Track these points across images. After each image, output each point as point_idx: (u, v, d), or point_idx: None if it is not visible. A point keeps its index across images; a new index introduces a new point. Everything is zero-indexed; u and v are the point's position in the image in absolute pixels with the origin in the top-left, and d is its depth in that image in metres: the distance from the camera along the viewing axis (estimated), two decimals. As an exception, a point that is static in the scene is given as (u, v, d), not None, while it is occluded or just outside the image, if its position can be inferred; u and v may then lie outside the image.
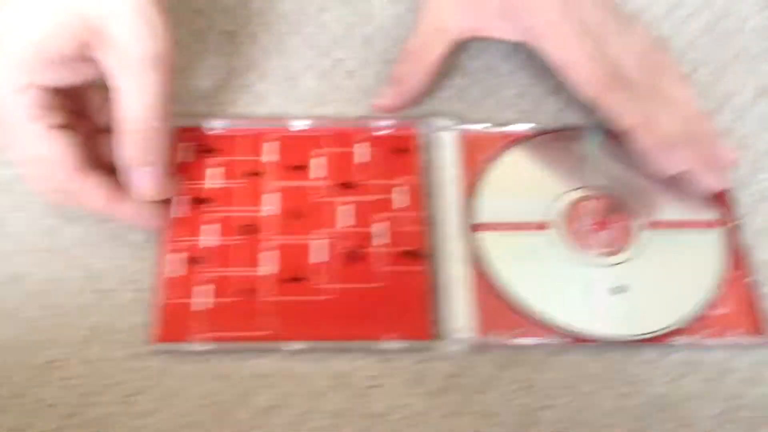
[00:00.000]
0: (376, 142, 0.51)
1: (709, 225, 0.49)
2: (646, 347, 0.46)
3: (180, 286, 0.45)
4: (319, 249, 0.47)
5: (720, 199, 0.50)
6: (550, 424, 0.43)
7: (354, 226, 0.48)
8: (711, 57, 0.57)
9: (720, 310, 0.46)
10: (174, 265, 0.46)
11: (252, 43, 0.56)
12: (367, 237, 0.48)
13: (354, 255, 0.47)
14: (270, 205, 0.48)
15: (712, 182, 0.49)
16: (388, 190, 0.49)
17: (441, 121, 0.52)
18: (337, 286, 0.46)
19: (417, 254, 0.47)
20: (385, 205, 0.49)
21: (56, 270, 0.46)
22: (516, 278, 0.47)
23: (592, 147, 0.52)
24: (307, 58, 0.56)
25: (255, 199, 0.49)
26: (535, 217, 0.49)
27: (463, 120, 0.53)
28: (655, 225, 0.49)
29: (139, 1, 0.41)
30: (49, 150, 0.42)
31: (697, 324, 0.46)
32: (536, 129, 0.52)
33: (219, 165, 0.50)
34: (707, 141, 0.49)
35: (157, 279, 0.45)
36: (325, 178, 0.50)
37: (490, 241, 0.48)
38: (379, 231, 0.48)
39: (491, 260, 0.47)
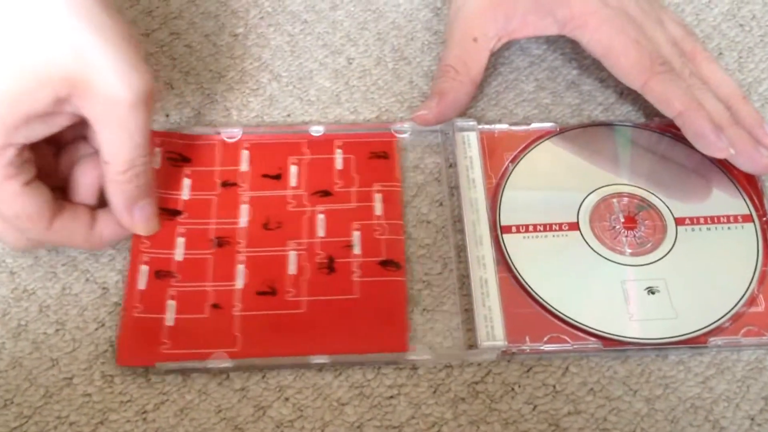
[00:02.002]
0: (355, 147, 0.50)
1: (742, 219, 0.48)
2: (678, 348, 0.44)
3: (151, 299, 0.44)
4: (295, 260, 0.46)
5: (752, 192, 0.48)
6: (577, 430, 0.42)
7: (332, 236, 0.47)
8: (735, 42, 0.56)
9: (757, 308, 0.45)
10: (145, 277, 0.45)
11: (263, 44, 0.55)
12: (344, 246, 0.46)
13: (331, 265, 0.46)
14: (246, 216, 0.47)
15: (763, 160, 0.47)
16: (369, 197, 0.48)
17: (464, 121, 0.50)
18: (312, 298, 0.45)
19: (395, 264, 0.46)
20: (365, 213, 0.47)
21: (67, 285, 0.46)
22: (545, 282, 0.45)
23: (619, 143, 0.50)
24: (319, 58, 0.54)
25: (232, 210, 0.47)
26: (563, 217, 0.47)
27: (482, 115, 0.52)
28: (687, 221, 0.47)
29: (118, 47, 0.39)
30: (23, 207, 0.41)
31: (735, 323, 0.44)
32: (560, 126, 0.51)
33: (194, 175, 0.48)
34: (752, 120, 0.49)
35: (126, 292, 0.45)
36: (303, 187, 0.48)
37: (516, 243, 0.46)
38: (358, 240, 0.46)
39: (518, 264, 0.46)
